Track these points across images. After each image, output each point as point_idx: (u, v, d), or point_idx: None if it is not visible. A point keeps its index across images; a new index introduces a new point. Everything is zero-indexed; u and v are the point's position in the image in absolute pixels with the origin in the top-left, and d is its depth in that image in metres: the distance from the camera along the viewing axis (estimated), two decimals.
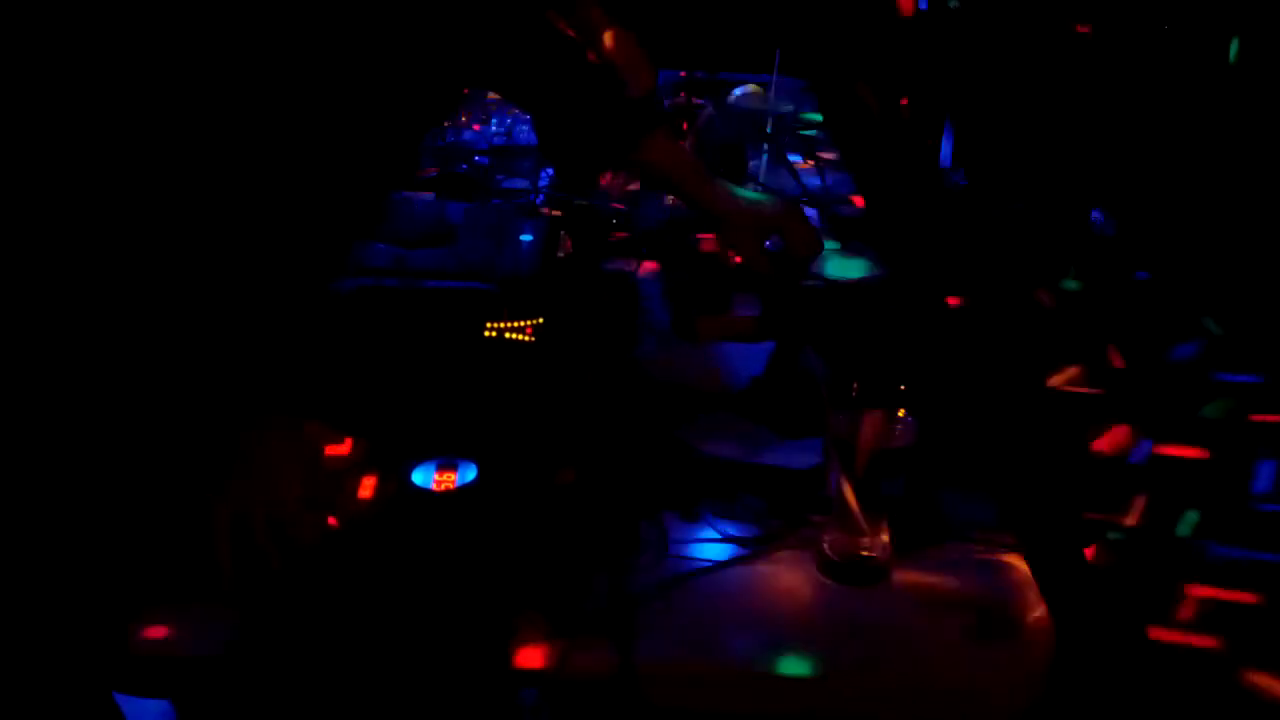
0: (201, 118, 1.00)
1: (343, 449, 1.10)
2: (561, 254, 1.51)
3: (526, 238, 1.52)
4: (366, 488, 1.06)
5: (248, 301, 1.02)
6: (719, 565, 1.02)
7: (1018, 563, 1.04)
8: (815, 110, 2.14)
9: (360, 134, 1.16)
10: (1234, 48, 1.63)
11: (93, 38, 0.95)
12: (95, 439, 0.99)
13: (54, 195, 0.97)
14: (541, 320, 1.30)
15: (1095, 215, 1.82)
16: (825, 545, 1.03)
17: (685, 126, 1.85)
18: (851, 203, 1.76)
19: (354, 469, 1.08)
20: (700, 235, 1.56)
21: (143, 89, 0.97)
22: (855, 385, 1.01)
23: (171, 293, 1.00)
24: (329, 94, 1.09)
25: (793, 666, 0.92)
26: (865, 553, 1.01)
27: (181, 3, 0.97)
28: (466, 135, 1.91)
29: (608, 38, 1.66)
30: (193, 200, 1.00)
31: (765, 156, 1.81)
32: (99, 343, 0.99)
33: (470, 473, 1.07)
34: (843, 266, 1.51)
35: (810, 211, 1.69)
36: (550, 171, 1.77)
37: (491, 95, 2.07)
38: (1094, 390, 1.72)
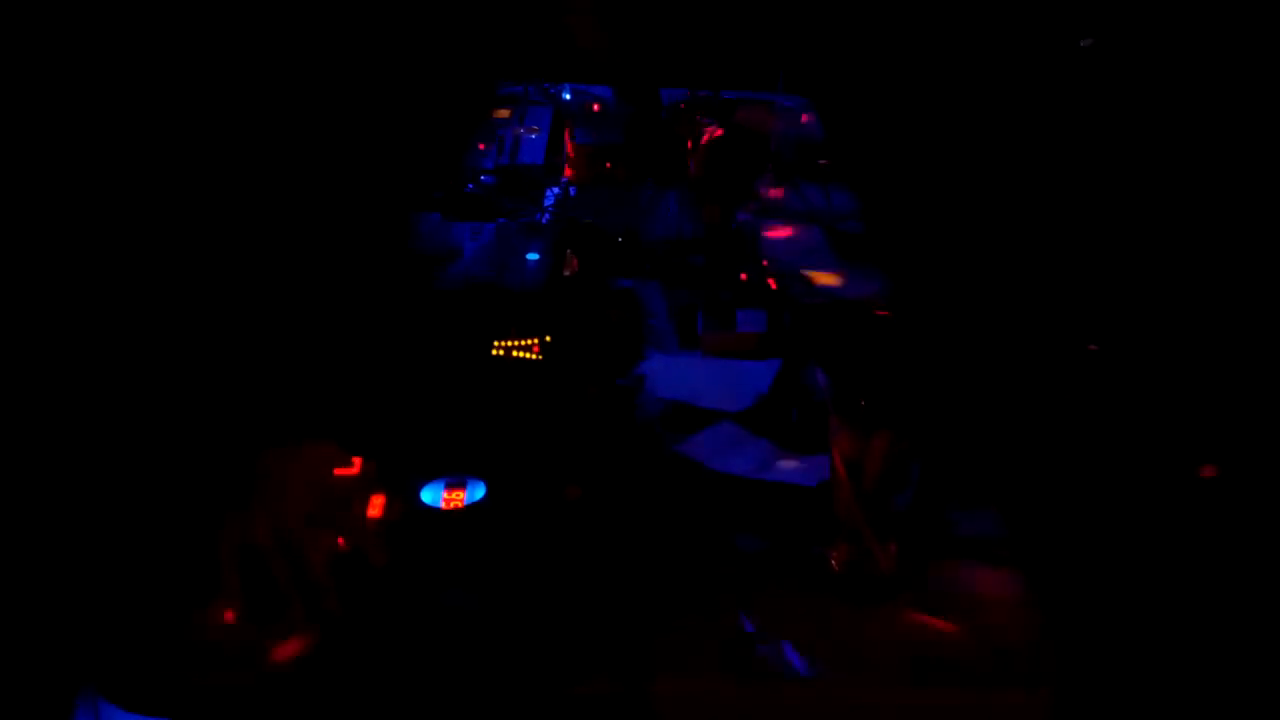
0: (242, 143, 1.01)
1: (351, 470, 1.10)
2: (568, 272, 1.52)
3: (532, 256, 1.53)
4: (375, 506, 1.07)
5: (276, 321, 1.03)
6: (726, 582, 1.02)
7: (1024, 578, 1.04)
8: (819, 128, 2.14)
9: (396, 154, 1.17)
10: None
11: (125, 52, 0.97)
12: (112, 454, 1.00)
13: (83, 225, 0.99)
14: (548, 338, 1.31)
15: None
16: (833, 562, 1.03)
17: (690, 145, 1.86)
18: (856, 220, 1.76)
19: (363, 488, 1.08)
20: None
21: (176, 102, 0.98)
22: (862, 401, 1.01)
23: (199, 313, 1.01)
24: (364, 114, 1.10)
25: (801, 683, 0.92)
26: (873, 569, 1.01)
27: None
28: (472, 155, 1.92)
29: None
30: (226, 222, 1.01)
31: (770, 174, 1.82)
32: (118, 359, 1.00)
33: (479, 491, 1.07)
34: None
35: (814, 228, 1.70)
36: (555, 191, 1.78)
37: (498, 114, 2.09)
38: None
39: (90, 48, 0.96)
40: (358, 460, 1.08)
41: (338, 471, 1.07)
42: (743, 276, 1.52)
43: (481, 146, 1.94)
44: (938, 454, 1.03)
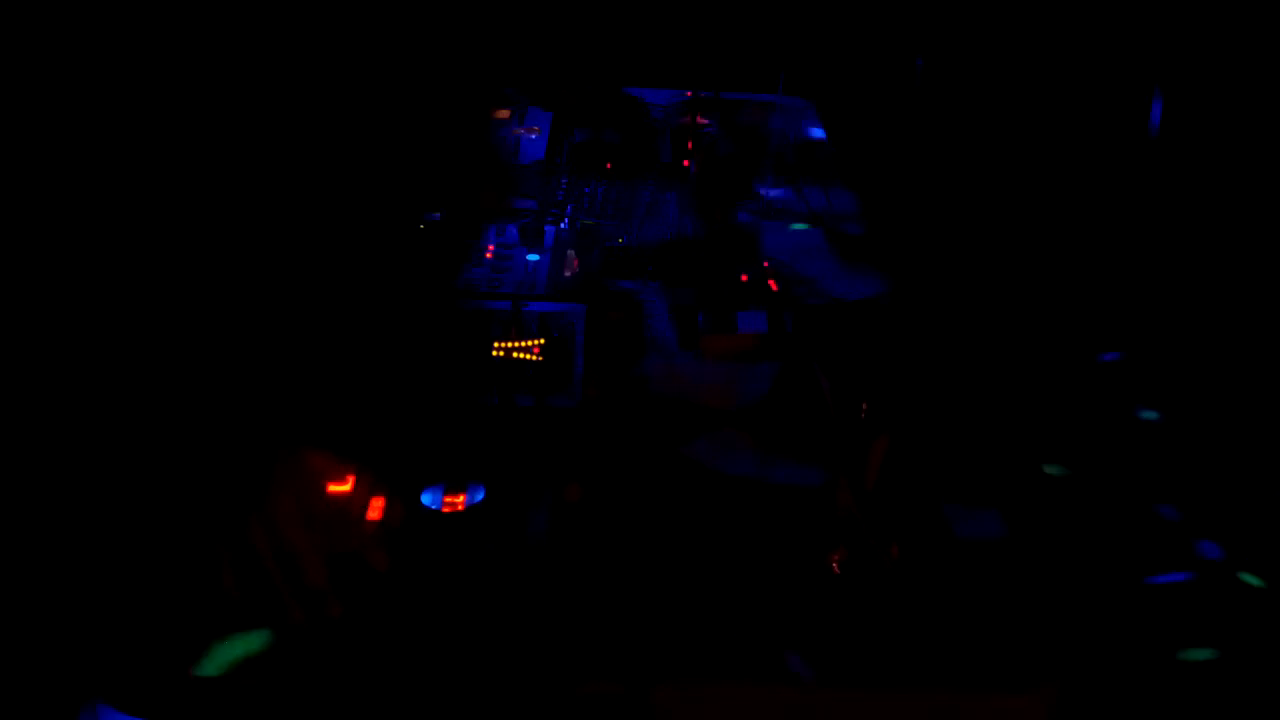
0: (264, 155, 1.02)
1: (345, 485, 1.09)
2: (568, 273, 1.52)
3: (533, 257, 1.53)
4: (375, 510, 1.07)
5: (275, 327, 1.04)
6: (727, 582, 1.02)
7: (1024, 576, 1.04)
8: (819, 129, 2.14)
9: (400, 158, 1.17)
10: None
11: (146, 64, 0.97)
12: (114, 460, 1.00)
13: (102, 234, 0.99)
14: (548, 340, 1.30)
15: None
16: (834, 563, 1.03)
17: (690, 146, 1.86)
18: (856, 221, 1.76)
19: (360, 495, 1.08)
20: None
21: (194, 105, 0.99)
22: (863, 403, 1.01)
23: (199, 321, 1.01)
24: (376, 118, 1.10)
25: (803, 683, 0.92)
26: (873, 569, 1.01)
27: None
28: None
29: None
30: (228, 227, 1.02)
31: (770, 175, 1.82)
32: (119, 364, 1.01)
33: (479, 494, 1.07)
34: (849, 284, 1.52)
35: (815, 230, 1.70)
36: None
37: (498, 115, 2.08)
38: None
39: (105, 64, 0.97)
40: (351, 476, 1.08)
41: (331, 488, 1.06)
42: (743, 277, 1.52)
43: None
44: (937, 454, 1.03)
